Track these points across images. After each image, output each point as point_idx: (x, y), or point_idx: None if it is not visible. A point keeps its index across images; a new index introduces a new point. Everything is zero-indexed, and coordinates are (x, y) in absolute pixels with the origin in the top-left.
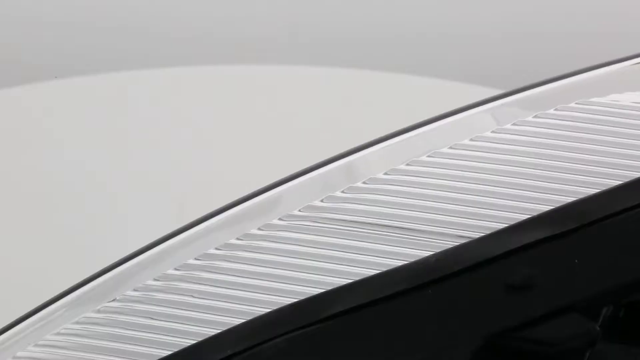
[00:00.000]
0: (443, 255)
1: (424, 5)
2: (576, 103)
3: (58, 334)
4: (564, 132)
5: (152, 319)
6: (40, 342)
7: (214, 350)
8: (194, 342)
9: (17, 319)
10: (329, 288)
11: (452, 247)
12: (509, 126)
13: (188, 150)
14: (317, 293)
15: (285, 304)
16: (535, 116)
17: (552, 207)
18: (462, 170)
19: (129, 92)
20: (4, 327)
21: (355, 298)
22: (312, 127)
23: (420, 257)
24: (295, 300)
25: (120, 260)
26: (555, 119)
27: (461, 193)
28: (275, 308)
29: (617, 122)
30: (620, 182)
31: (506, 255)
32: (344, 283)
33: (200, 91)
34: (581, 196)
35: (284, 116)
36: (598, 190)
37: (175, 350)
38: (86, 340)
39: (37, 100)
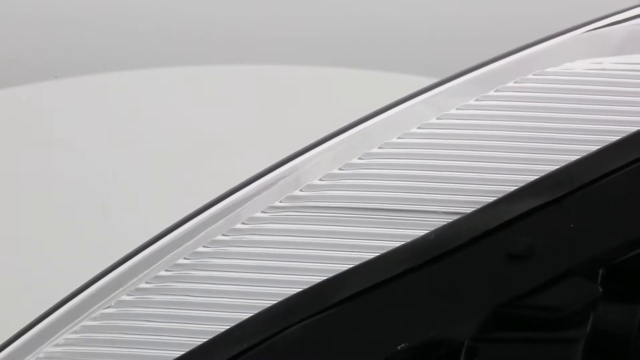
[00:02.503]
0: (442, 231)
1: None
2: (533, 74)
3: (57, 345)
4: (525, 102)
5: (150, 321)
6: (41, 356)
7: (230, 344)
8: (195, 340)
9: (14, 335)
10: (324, 275)
11: (449, 223)
12: (472, 102)
13: (188, 149)
14: (319, 280)
15: (289, 294)
16: (496, 90)
17: (535, 177)
18: (432, 148)
19: (129, 92)
20: (2, 345)
21: (363, 281)
22: (307, 125)
23: (412, 236)
24: (294, 289)
25: (111, 266)
26: (515, 91)
27: (436, 170)
28: (274, 299)
29: (573, 89)
30: (599, 147)
31: (505, 226)
32: (338, 268)
33: (199, 91)
34: (559, 164)
35: (280, 114)
36: (577, 156)
37: (178, 349)
38: (86, 348)
39: (37, 100)
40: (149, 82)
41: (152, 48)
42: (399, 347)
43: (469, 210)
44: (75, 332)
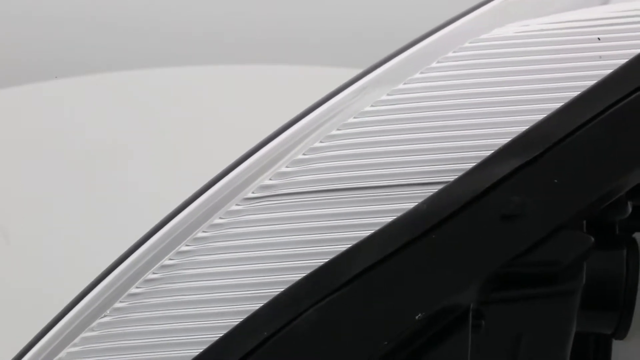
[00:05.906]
0: (432, 201)
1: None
2: (469, 43)
3: None
4: (467, 70)
5: (148, 324)
6: None
7: (248, 336)
8: (194, 338)
9: (16, 356)
10: (311, 258)
11: (437, 192)
12: (418, 75)
13: (188, 150)
14: (307, 263)
15: (281, 281)
16: (438, 61)
17: (498, 139)
18: (387, 124)
19: (129, 92)
20: None
21: (367, 258)
22: None
23: (390, 211)
24: (286, 275)
25: (99, 276)
26: (456, 61)
27: (394, 145)
28: (267, 288)
29: (510, 52)
30: (563, 104)
31: (493, 187)
32: (324, 250)
33: (199, 91)
34: (521, 124)
35: (280, 114)
36: (536, 115)
37: (180, 349)
38: (88, 359)
39: (37, 100)
40: (149, 82)
41: (152, 48)
42: (416, 317)
43: (435, 179)
44: (76, 345)
